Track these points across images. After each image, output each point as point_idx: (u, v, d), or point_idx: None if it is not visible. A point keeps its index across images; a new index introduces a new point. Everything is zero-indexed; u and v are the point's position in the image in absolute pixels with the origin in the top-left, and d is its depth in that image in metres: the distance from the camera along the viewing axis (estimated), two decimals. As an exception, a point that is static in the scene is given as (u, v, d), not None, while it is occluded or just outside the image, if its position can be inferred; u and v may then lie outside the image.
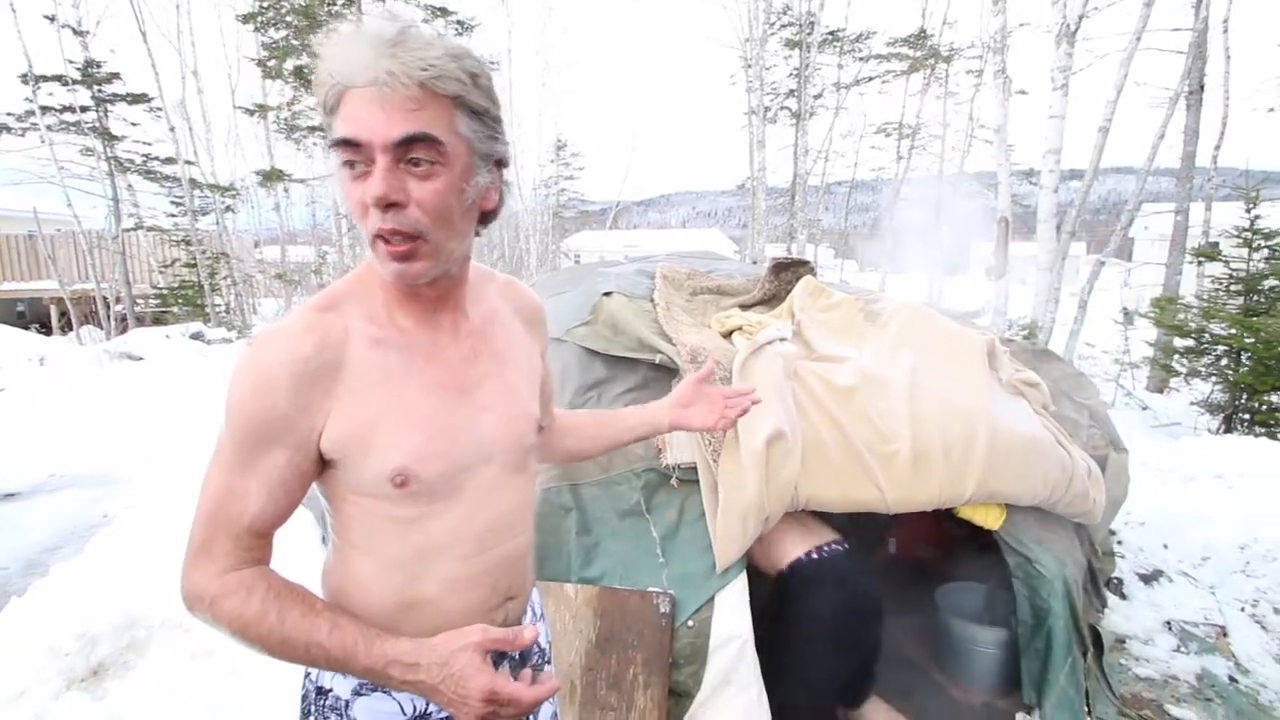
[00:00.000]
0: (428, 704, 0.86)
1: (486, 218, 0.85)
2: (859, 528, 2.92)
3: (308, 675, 0.89)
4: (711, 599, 1.77)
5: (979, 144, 15.12)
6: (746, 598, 1.79)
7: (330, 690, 0.87)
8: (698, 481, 1.86)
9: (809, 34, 12.91)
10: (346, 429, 0.78)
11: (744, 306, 2.62)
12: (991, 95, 7.16)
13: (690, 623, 1.76)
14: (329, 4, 10.28)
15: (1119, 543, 3.00)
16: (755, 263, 3.21)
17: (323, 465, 0.81)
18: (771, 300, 2.67)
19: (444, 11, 11.48)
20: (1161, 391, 6.96)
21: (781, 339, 2.18)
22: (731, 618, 1.76)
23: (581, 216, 27.98)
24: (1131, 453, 2.57)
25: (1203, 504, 3.32)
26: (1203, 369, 5.45)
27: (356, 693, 0.85)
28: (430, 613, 0.86)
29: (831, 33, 14.74)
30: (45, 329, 13.95)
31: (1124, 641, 2.46)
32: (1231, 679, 2.29)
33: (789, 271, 2.70)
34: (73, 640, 2.01)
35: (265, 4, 10.84)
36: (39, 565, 3.39)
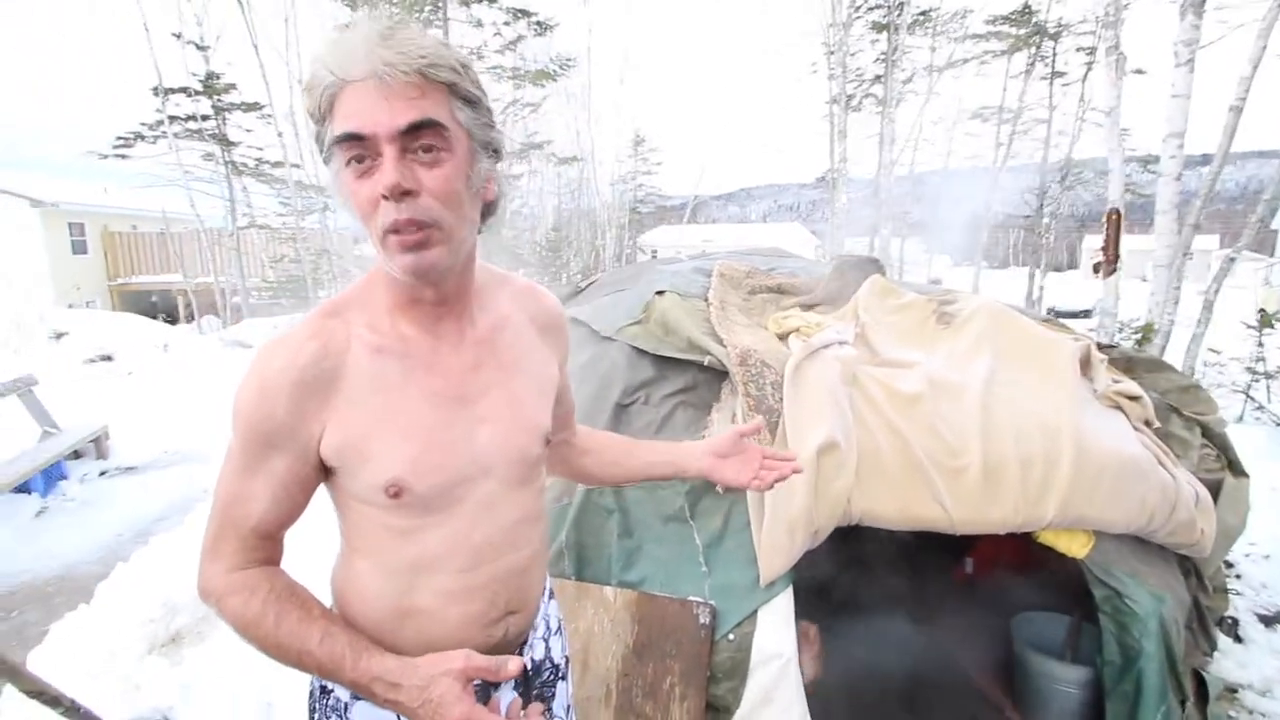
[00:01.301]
0: None
1: (487, 211, 0.82)
2: (932, 544, 2.73)
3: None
4: (755, 613, 1.69)
5: (1089, 128, 13.86)
6: (792, 615, 1.70)
7: (332, 691, 0.87)
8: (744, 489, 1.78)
9: (898, 15, 12.26)
10: (343, 438, 0.78)
11: (805, 307, 2.49)
12: (1104, 74, 6.52)
13: (731, 636, 1.69)
14: (420, 12, 10.75)
15: (1237, 577, 2.65)
16: (832, 259, 3.06)
17: (326, 470, 0.81)
18: (835, 300, 2.53)
19: (525, 13, 11.74)
20: (1302, 405, 6.13)
21: (841, 342, 2.05)
22: (775, 634, 1.68)
23: (659, 212, 27.97)
24: (1259, 476, 2.26)
25: (1346, 538, 2.88)
26: (1354, 381, 4.75)
27: (356, 696, 0.85)
28: (425, 623, 0.84)
29: (924, 12, 13.92)
30: (172, 318, 15.47)
31: (1236, 691, 2.17)
32: (1373, 745, 1.97)
33: (856, 271, 2.55)
34: (158, 608, 2.18)
35: (361, 16, 11.49)
36: (146, 534, 3.74)
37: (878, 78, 13.89)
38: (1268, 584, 2.66)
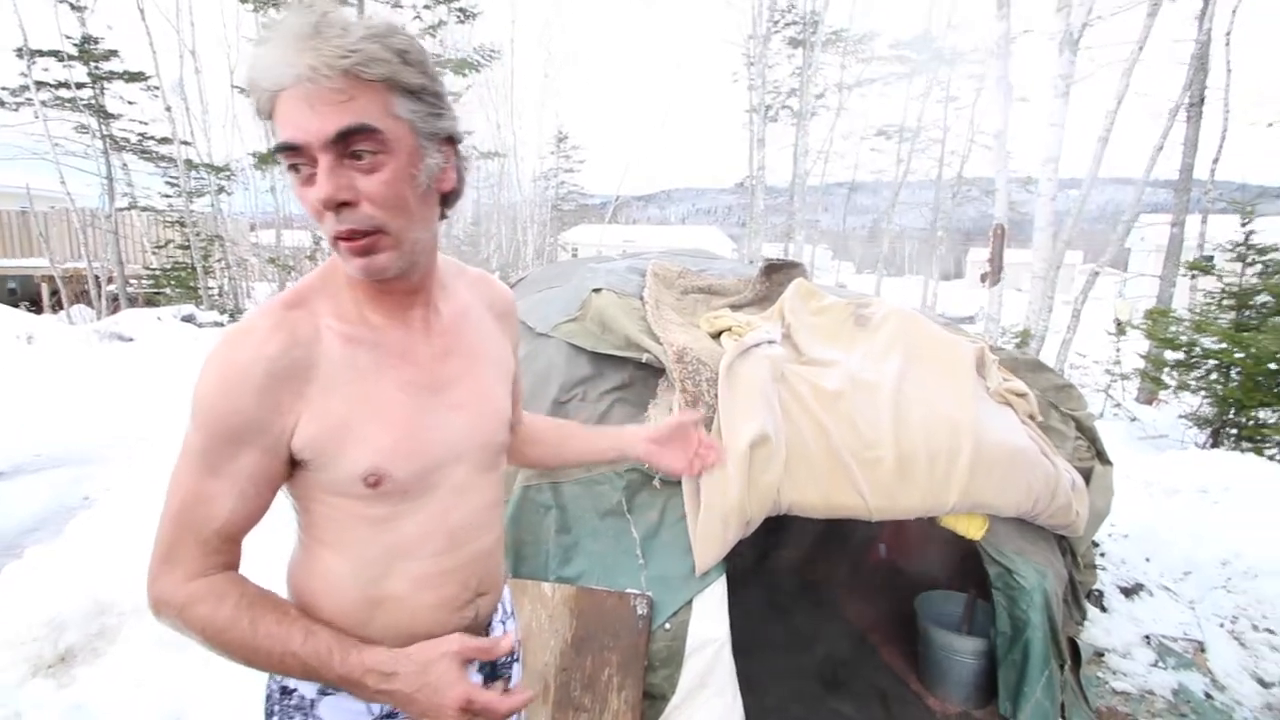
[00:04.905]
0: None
1: (448, 200, 0.82)
2: (843, 531, 2.92)
3: (272, 675, 0.87)
4: (690, 602, 1.76)
5: (978, 149, 15.13)
6: (725, 601, 1.78)
7: (295, 690, 0.85)
8: (680, 483, 1.84)
9: (812, 33, 12.87)
10: (318, 429, 0.76)
11: (735, 307, 2.59)
12: (992, 101, 7.15)
13: (667, 625, 1.75)
14: (330, -13, 10.18)
15: (1101, 555, 3.00)
16: (751, 262, 3.22)
17: (293, 465, 0.79)
18: (763, 301, 2.65)
19: (446, -1, 11.40)
20: (1151, 404, 6.98)
21: (770, 341, 2.16)
22: (709, 621, 1.75)
23: (580, 210, 27.86)
24: (1117, 464, 2.57)
25: (1186, 518, 3.32)
26: (1192, 382, 5.46)
27: (323, 692, 0.84)
28: (397, 610, 0.84)
29: (835, 33, 14.70)
30: (36, 307, 13.83)
31: (1102, 655, 2.47)
32: (1208, 695, 2.30)
33: (781, 273, 2.68)
34: (41, 626, 1.98)
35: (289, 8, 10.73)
36: (16, 547, 3.34)
37: (793, 91, 14.52)
38: (1126, 560, 3.03)
